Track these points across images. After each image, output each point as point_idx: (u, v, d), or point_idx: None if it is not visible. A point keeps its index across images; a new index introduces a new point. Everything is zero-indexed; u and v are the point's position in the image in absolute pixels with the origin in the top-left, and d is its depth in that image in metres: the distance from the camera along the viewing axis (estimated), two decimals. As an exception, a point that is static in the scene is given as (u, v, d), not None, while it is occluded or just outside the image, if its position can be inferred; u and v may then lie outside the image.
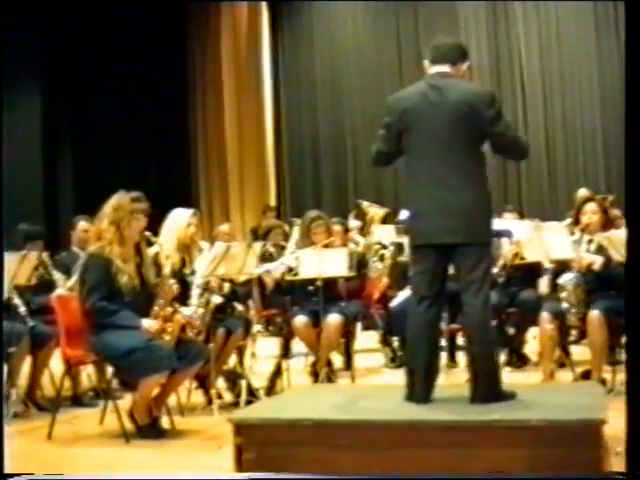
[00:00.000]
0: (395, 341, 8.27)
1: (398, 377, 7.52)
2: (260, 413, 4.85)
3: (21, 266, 6.23)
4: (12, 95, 12.83)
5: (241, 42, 14.87)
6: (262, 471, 4.51)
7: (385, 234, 9.17)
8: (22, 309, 6.40)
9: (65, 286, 6.77)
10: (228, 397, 6.47)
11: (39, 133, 13.11)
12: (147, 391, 5.48)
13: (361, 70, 14.61)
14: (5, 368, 6.44)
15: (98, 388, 6.84)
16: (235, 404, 6.18)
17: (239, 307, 6.44)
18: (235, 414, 4.91)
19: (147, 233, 5.76)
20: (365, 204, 8.94)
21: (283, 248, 8.58)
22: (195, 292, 6.07)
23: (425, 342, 4.77)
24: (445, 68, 4.83)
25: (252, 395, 6.27)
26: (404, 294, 7.12)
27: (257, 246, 6.65)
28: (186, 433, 5.66)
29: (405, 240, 8.37)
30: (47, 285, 6.84)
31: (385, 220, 9.40)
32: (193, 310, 5.88)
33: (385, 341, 8.64)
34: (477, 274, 4.68)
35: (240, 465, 4.58)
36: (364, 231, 9.13)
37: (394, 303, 7.33)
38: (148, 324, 5.49)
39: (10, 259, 6.22)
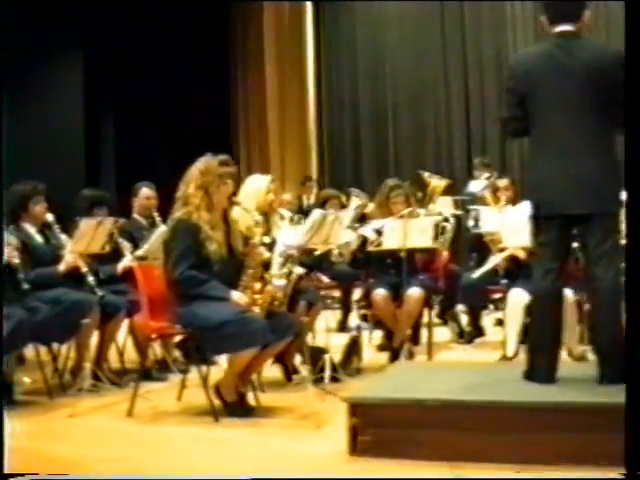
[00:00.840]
0: (462, 315, 7.99)
1: (469, 353, 7.30)
2: (376, 392, 4.53)
3: (96, 233, 5.90)
4: (54, 61, 12.65)
5: (284, 14, 14.42)
6: (379, 454, 4.22)
7: (443, 206, 8.86)
8: (91, 278, 6.06)
9: (133, 255, 6.46)
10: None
11: (81, 98, 12.82)
12: (238, 366, 5.16)
13: (403, 42, 14.19)
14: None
15: (169, 361, 6.54)
16: (318, 380, 5.86)
17: (325, 279, 6.10)
18: (350, 393, 4.58)
19: (236, 199, 5.42)
20: (426, 175, 8.61)
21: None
22: (277, 262, 5.73)
23: (551, 317, 4.47)
24: (569, 27, 4.48)
25: (334, 371, 5.97)
26: (485, 267, 6.79)
27: (345, 215, 6.33)
28: (275, 411, 5.35)
29: (462, 212, 8.13)
30: (113, 253, 6.50)
31: (446, 192, 9.08)
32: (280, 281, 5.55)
33: (443, 316, 8.37)
34: (607, 246, 4.37)
35: (355, 447, 4.28)
36: (424, 202, 8.80)
37: (475, 275, 6.97)
38: (238, 296, 5.16)
39: (85, 225, 5.90)
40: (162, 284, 5.30)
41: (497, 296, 8.43)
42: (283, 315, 5.36)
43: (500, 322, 8.47)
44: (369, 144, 14.45)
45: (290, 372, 6.12)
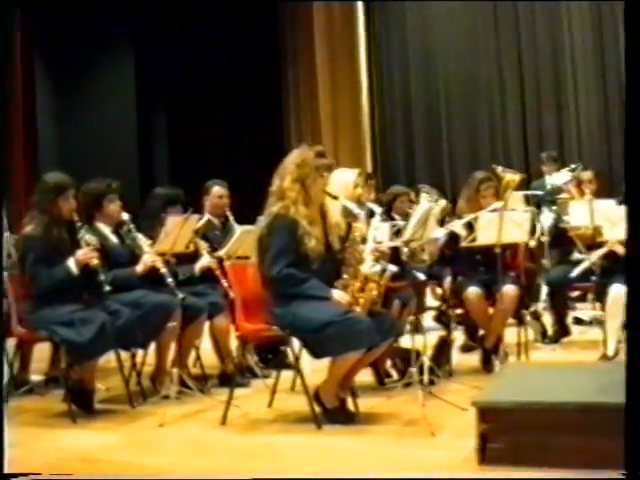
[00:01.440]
0: (543, 314, 7.65)
1: (558, 353, 6.96)
2: (503, 396, 4.19)
3: (182, 231, 5.59)
4: (106, 58, 12.54)
5: (334, 14, 14.06)
6: (512, 462, 3.89)
7: (515, 202, 8.50)
8: (170, 280, 5.75)
9: (212, 254, 6.17)
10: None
11: (133, 95, 12.63)
12: (341, 370, 4.85)
13: (456, 34, 13.80)
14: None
15: (252, 366, 6.25)
16: (408, 384, 5.53)
17: (421, 276, 5.77)
18: (479, 397, 4.26)
19: (333, 192, 5.10)
20: (499, 169, 8.26)
21: (408, 216, 7.89)
22: (368, 259, 5.38)
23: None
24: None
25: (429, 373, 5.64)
26: (584, 265, 6.44)
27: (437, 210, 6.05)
28: (378, 417, 5.03)
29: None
30: (189, 253, 6.19)
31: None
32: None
33: (517, 314, 8.01)
34: None
35: (484, 456, 3.95)
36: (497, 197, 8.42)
37: (574, 273, 6.60)
38: (339, 295, 4.84)
39: (172, 223, 5.60)
40: (256, 284, 4.99)
41: (574, 294, 8.14)
42: (385, 315, 5.04)
43: (578, 321, 8.15)
44: (422, 140, 14.08)
45: (382, 376, 5.80)
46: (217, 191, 6.78)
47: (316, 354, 4.93)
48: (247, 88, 13.34)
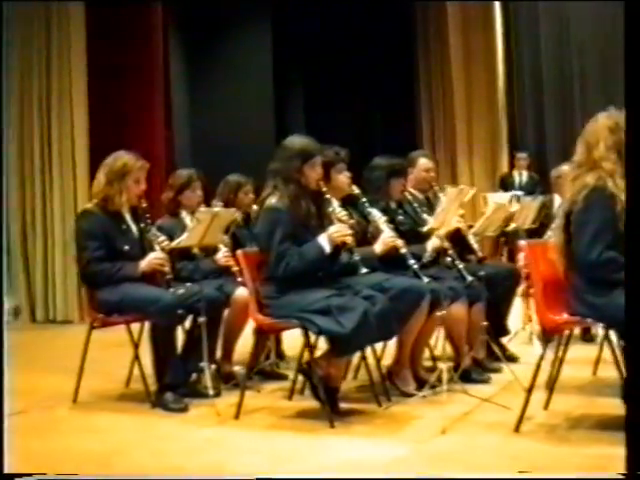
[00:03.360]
0: None
1: None
2: None
3: (453, 206, 4.88)
4: (244, 30, 12.23)
5: (470, 14, 13.13)
6: None
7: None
8: (412, 261, 5.06)
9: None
10: None
11: (270, 66, 12.19)
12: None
13: (592, 41, 12.75)
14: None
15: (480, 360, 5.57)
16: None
17: None
18: None
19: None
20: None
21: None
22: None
23: None
24: None
25: None
26: None
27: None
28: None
29: None
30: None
31: None
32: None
33: None
34: None
35: None
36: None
37: None
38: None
39: (449, 196, 4.93)
40: (555, 266, 4.27)
41: None
42: None
43: None
44: (553, 117, 13.16)
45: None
46: (424, 164, 6.10)
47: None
48: (382, 85, 12.81)
